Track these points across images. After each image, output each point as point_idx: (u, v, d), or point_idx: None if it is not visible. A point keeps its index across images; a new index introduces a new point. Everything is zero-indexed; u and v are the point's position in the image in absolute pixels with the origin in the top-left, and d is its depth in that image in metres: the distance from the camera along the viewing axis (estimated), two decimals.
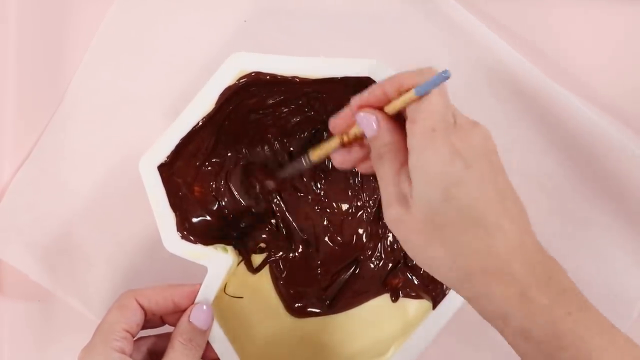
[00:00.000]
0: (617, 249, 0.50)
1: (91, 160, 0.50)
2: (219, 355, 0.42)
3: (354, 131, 0.35)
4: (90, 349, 0.38)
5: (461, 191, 0.30)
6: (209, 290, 0.41)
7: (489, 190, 0.31)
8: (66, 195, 0.50)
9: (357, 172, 0.48)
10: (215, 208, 0.46)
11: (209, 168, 0.46)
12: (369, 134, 0.34)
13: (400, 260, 0.47)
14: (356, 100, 0.35)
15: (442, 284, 0.45)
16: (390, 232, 0.48)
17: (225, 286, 0.44)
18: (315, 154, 0.40)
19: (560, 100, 0.49)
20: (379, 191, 0.47)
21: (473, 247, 0.31)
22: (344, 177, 0.48)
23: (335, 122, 0.36)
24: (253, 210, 0.47)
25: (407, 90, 0.32)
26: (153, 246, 0.49)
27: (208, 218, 0.45)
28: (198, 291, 0.41)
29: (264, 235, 0.47)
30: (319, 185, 0.48)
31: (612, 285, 0.50)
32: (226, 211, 0.46)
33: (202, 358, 0.41)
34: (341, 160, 0.37)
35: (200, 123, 0.42)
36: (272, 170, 0.47)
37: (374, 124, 0.33)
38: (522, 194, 0.49)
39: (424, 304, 0.45)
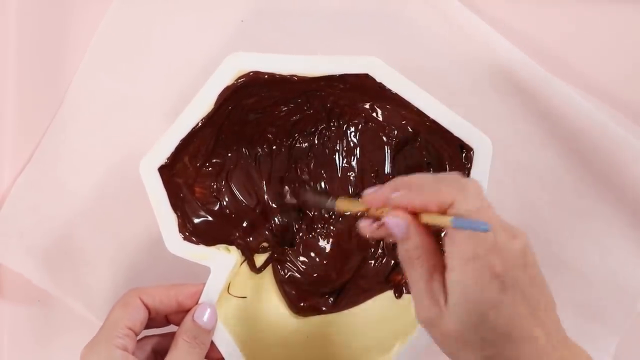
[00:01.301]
0: (620, 241, 0.50)
1: (92, 162, 0.50)
2: (224, 355, 0.42)
3: (383, 212, 0.35)
4: (93, 346, 0.38)
5: (497, 314, 0.32)
6: (212, 290, 0.41)
7: (522, 309, 0.32)
8: (67, 197, 0.50)
9: (355, 169, 0.48)
10: (216, 208, 0.46)
11: (210, 169, 0.46)
12: (397, 236, 0.34)
13: None
14: (394, 194, 0.34)
15: None
16: None
17: (228, 286, 0.44)
18: (341, 205, 0.40)
19: (561, 94, 0.49)
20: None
21: (504, 356, 0.32)
22: (344, 174, 0.48)
23: (371, 198, 0.36)
24: (257, 210, 0.47)
25: (449, 205, 0.32)
26: (155, 247, 0.49)
27: (210, 218, 0.45)
28: (202, 291, 0.41)
29: (265, 240, 0.47)
30: (320, 186, 0.48)
31: (616, 278, 0.49)
32: (227, 211, 0.46)
33: (206, 358, 0.41)
34: (367, 229, 0.36)
35: (200, 124, 0.42)
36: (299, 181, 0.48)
37: (403, 228, 0.34)
38: (524, 187, 0.50)
39: None
